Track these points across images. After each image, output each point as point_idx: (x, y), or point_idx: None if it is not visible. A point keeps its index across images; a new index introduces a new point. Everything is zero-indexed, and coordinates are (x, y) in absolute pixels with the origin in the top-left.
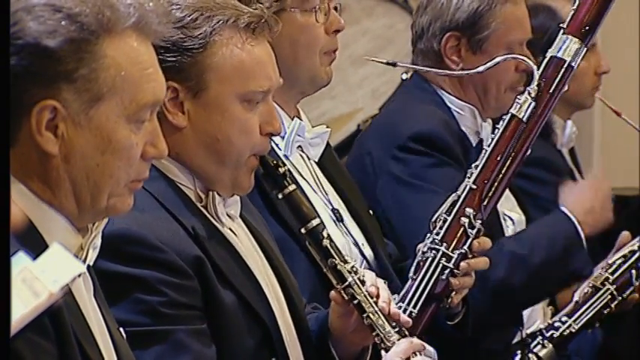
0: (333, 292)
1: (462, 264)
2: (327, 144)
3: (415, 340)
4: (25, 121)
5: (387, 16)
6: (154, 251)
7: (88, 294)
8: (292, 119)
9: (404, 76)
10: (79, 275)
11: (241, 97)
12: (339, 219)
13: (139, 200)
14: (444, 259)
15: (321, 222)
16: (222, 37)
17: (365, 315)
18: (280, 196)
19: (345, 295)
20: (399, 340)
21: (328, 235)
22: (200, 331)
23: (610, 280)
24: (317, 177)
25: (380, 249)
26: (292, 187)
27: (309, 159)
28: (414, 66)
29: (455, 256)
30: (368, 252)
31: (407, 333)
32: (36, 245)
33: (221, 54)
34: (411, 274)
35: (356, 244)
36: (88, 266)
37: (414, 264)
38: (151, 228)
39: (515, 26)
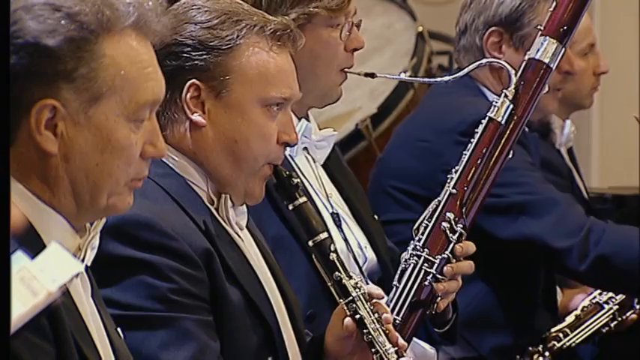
0: (347, 320)
1: (446, 269)
2: (334, 147)
3: None
4: (25, 121)
5: (385, 15)
6: (165, 238)
7: (86, 294)
8: (299, 120)
9: (402, 75)
10: (77, 275)
11: (262, 102)
12: (337, 222)
13: (150, 192)
14: (426, 264)
15: (330, 236)
16: (249, 41)
17: (366, 331)
18: (291, 207)
19: (347, 310)
20: (398, 359)
21: (335, 249)
22: (207, 322)
23: (614, 300)
24: (320, 179)
25: (382, 252)
26: (303, 199)
27: (314, 161)
28: (392, 76)
29: (437, 261)
30: (370, 254)
31: (404, 354)
32: (34, 245)
33: (246, 57)
34: (395, 281)
35: (358, 246)
36: (86, 267)
37: (398, 272)
38: (163, 216)
39: None
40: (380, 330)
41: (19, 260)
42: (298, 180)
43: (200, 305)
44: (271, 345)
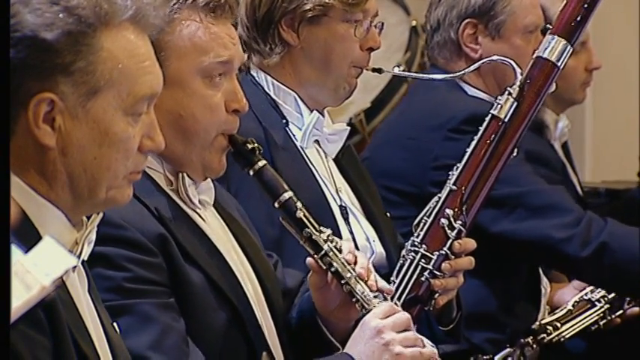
0: (309, 259)
1: (445, 265)
2: (348, 143)
3: (395, 306)
4: (22, 114)
5: (378, 9)
6: (116, 229)
7: (83, 289)
8: (311, 112)
9: (396, 69)
10: (73, 269)
11: (201, 73)
12: (345, 215)
13: None
14: (423, 260)
15: (294, 194)
16: (181, 15)
17: (344, 282)
18: (251, 172)
19: (322, 265)
20: (379, 303)
21: (302, 206)
22: (167, 304)
23: (607, 299)
24: (331, 173)
25: (391, 247)
26: (262, 162)
27: (325, 155)
28: (406, 73)
29: (434, 257)
30: (379, 249)
31: (387, 298)
32: (31, 239)
33: (178, 31)
34: (392, 277)
35: (366, 239)
36: (83, 261)
37: (397, 267)
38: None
39: (530, 10)
40: (357, 278)
41: (13, 254)
42: (255, 145)
43: (158, 290)
44: (240, 323)
